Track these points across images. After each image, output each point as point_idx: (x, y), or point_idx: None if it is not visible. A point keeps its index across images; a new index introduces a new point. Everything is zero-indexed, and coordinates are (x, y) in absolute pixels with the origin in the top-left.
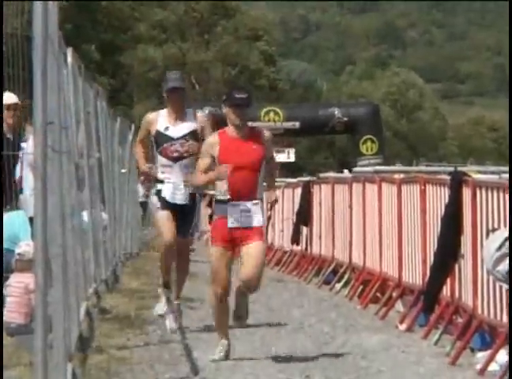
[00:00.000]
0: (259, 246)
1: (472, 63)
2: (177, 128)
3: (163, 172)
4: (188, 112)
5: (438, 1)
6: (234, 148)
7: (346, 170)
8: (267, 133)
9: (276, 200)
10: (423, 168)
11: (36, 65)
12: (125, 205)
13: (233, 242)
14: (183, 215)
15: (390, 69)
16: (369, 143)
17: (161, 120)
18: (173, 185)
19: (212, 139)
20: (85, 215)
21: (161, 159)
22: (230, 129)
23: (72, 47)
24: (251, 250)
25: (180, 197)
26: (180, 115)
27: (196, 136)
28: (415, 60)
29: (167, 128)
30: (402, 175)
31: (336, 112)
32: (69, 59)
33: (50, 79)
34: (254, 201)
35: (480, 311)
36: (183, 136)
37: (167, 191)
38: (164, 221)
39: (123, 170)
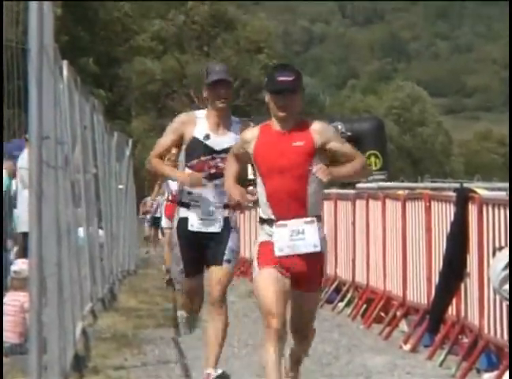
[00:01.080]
0: (313, 299)
1: (479, 77)
2: (220, 138)
3: (189, 193)
4: (234, 120)
5: (443, 13)
6: (273, 145)
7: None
8: (318, 125)
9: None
10: (428, 184)
11: (32, 78)
12: (122, 222)
13: (287, 270)
14: (214, 242)
15: (394, 83)
16: (373, 158)
17: (200, 124)
18: (202, 211)
19: (251, 133)
20: (81, 231)
21: None
22: (274, 122)
23: (68, 60)
24: (302, 303)
25: (211, 225)
26: (224, 121)
27: None
28: (419, 73)
29: (207, 136)
30: (407, 192)
31: (339, 126)
32: (65, 72)
33: (46, 93)
34: (308, 219)
35: (486, 331)
36: (226, 150)
37: (194, 220)
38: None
39: (120, 186)
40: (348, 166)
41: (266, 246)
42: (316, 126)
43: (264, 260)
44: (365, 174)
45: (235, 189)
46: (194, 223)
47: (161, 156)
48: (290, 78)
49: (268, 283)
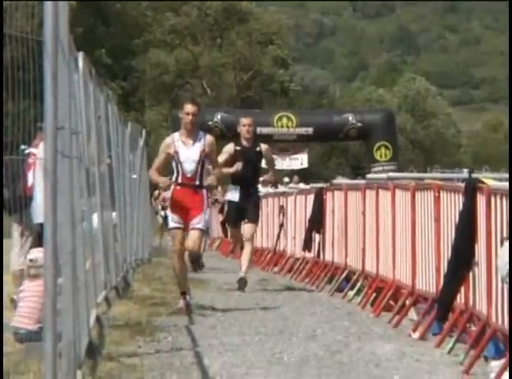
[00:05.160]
0: None
1: (487, 69)
2: None
3: None
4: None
5: (452, 5)
6: None
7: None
8: None
9: None
10: (437, 175)
11: (47, 69)
12: (135, 211)
13: None
14: None
15: (405, 75)
16: (383, 149)
17: None
18: None
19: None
20: (95, 220)
21: None
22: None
23: (83, 52)
24: None
25: None
26: None
27: None
28: (428, 65)
29: None
30: (416, 182)
31: (350, 118)
32: (80, 63)
33: (61, 83)
34: None
35: (494, 319)
36: None
37: None
38: None
39: (134, 176)
40: None
41: None
42: None
43: None
44: None
45: None
46: None
47: None
48: None
49: None
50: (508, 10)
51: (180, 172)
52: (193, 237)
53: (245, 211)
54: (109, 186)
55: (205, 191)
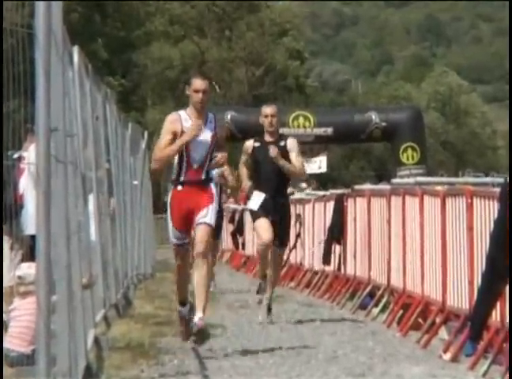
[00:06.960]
0: None
1: None
2: None
3: None
4: None
5: None
6: None
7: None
8: None
9: None
10: (469, 179)
11: (39, 64)
12: (137, 220)
13: None
14: None
15: (434, 70)
16: (410, 151)
17: None
18: None
19: None
20: (93, 234)
21: None
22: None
23: (78, 44)
24: None
25: None
26: None
27: None
28: (460, 58)
29: None
30: (446, 187)
31: (373, 117)
32: (76, 58)
33: (54, 80)
34: None
35: None
36: None
37: None
38: None
39: (135, 182)
40: None
41: None
42: None
43: None
44: None
45: None
46: None
47: None
48: None
49: None
50: None
51: (185, 164)
52: (200, 237)
53: (274, 226)
54: (108, 193)
55: (213, 186)
